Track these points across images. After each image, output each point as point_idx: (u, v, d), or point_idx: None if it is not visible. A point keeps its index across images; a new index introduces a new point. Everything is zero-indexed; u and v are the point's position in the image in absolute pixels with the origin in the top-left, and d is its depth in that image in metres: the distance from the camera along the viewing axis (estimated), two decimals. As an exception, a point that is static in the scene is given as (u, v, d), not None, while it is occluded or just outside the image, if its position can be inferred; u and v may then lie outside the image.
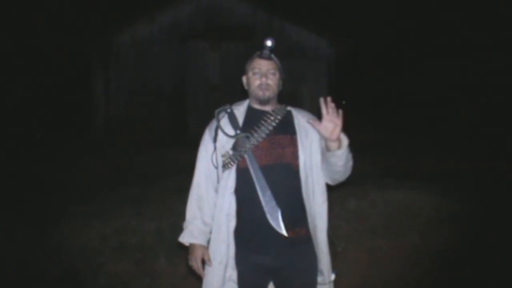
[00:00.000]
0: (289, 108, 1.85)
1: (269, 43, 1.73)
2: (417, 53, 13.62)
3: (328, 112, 1.61)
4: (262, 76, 1.76)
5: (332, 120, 1.60)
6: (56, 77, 12.32)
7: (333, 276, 1.78)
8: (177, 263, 3.21)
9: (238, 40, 8.79)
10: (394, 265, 3.15)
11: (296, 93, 9.26)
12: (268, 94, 1.76)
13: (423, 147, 6.98)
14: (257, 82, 1.77)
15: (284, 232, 1.67)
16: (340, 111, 1.61)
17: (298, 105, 1.95)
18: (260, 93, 1.77)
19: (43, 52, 12.07)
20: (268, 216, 1.67)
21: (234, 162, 1.74)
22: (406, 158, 6.12)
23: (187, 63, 9.15)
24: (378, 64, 13.94)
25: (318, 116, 1.86)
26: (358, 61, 13.01)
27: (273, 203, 1.69)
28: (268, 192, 1.69)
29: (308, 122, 1.72)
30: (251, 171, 1.70)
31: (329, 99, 1.61)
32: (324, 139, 1.66)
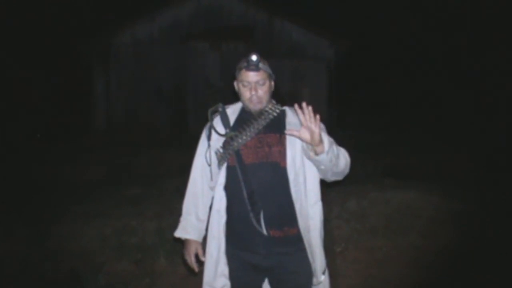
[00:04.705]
0: (284, 107, 1.85)
1: (254, 58, 1.71)
2: (418, 53, 13.62)
3: (305, 119, 1.59)
4: (252, 88, 1.75)
5: (308, 127, 1.58)
6: (56, 77, 12.32)
7: (322, 277, 1.75)
8: (177, 263, 3.21)
9: (238, 40, 8.79)
10: (394, 265, 3.15)
11: (296, 93, 9.25)
12: (259, 106, 1.77)
13: (423, 147, 6.98)
14: (247, 95, 1.77)
15: (264, 232, 1.70)
16: (318, 116, 1.59)
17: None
18: (251, 106, 1.78)
19: (43, 52, 12.08)
20: (250, 214, 1.70)
21: (224, 160, 1.76)
22: (406, 158, 6.12)
23: (187, 63, 9.15)
24: (378, 64, 13.94)
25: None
26: (358, 61, 13.00)
27: (256, 201, 1.70)
28: (252, 191, 1.70)
29: (286, 133, 1.70)
30: (237, 169, 1.73)
31: (304, 104, 1.58)
32: (306, 144, 1.64)
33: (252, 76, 1.75)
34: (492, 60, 11.70)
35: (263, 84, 1.76)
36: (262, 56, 1.75)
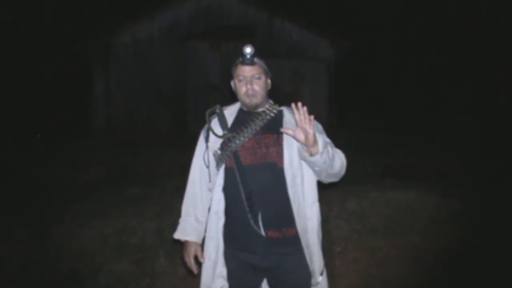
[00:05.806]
0: (282, 107, 1.85)
1: (248, 50, 1.72)
2: (418, 52, 13.62)
3: (300, 119, 1.59)
4: (248, 83, 1.76)
5: (303, 128, 1.59)
6: (56, 78, 12.33)
7: (320, 278, 1.75)
8: (177, 263, 3.21)
9: (238, 40, 8.78)
10: (394, 265, 3.14)
11: (296, 93, 9.25)
12: (255, 100, 1.78)
13: (423, 147, 6.97)
14: (243, 89, 1.77)
15: (263, 233, 1.70)
16: (312, 117, 1.59)
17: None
18: (247, 100, 1.78)
19: (44, 53, 12.08)
20: (249, 215, 1.70)
21: (222, 161, 1.77)
22: (406, 158, 6.11)
23: (187, 63, 9.15)
24: (379, 64, 13.94)
25: (315, 116, 1.86)
26: (358, 60, 13.00)
27: (254, 202, 1.70)
28: (250, 192, 1.71)
29: (282, 130, 1.70)
30: (235, 170, 1.73)
31: (300, 104, 1.59)
32: (301, 145, 1.64)
33: (247, 71, 1.76)
34: (492, 60, 11.70)
35: (259, 78, 1.77)
36: (257, 52, 1.75)
